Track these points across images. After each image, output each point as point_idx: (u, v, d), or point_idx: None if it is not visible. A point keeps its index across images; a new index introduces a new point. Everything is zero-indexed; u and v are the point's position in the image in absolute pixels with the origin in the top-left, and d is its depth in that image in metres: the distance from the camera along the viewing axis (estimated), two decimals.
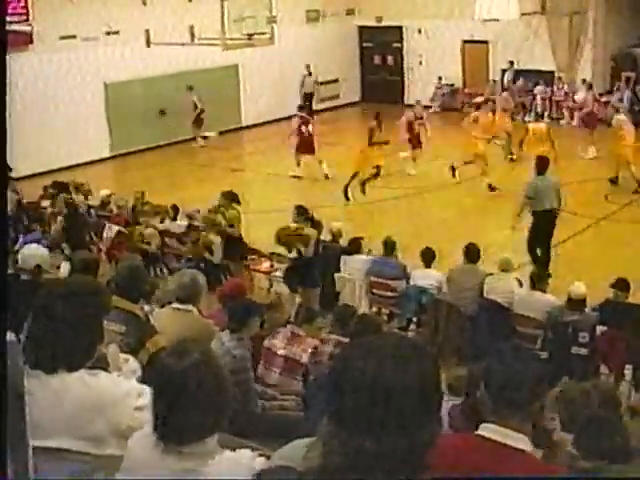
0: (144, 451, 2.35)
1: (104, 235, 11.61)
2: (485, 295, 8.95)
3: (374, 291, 9.81)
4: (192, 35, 17.28)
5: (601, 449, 3.99)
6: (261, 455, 2.49)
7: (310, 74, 23.42)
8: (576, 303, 8.14)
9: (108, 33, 19.23)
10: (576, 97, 21.47)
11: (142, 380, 3.02)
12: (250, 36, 15.95)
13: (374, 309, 9.84)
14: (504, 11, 20.62)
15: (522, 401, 2.42)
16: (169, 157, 19.74)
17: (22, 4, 17.32)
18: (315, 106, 23.63)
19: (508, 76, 23.14)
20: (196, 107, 20.22)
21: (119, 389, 2.74)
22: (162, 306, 6.14)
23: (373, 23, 25.36)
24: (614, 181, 15.30)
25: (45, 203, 13.01)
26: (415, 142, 17.04)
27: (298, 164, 17.28)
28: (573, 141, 18.44)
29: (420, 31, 24.63)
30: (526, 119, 20.61)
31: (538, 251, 11.08)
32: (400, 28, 25.11)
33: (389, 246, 9.78)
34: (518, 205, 11.40)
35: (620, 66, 22.19)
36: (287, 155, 17.70)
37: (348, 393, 1.55)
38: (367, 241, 10.35)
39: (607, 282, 8.42)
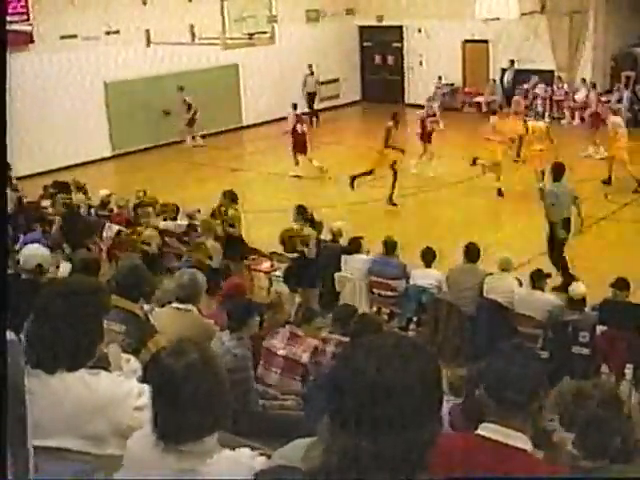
0: (144, 450, 2.35)
1: (104, 235, 11.61)
2: (485, 295, 8.95)
3: (374, 291, 9.81)
4: (192, 35, 17.29)
5: (602, 449, 3.99)
6: (261, 454, 2.49)
7: (312, 74, 23.41)
8: (576, 303, 8.15)
9: (108, 33, 19.24)
10: (576, 97, 21.47)
11: (143, 380, 3.02)
12: (250, 36, 15.94)
13: (374, 309, 9.84)
14: (504, 10, 20.62)
15: (521, 401, 2.42)
16: (169, 157, 19.74)
17: (22, 4, 17.33)
18: (316, 106, 23.63)
19: (508, 76, 23.13)
20: (189, 108, 20.11)
21: (120, 389, 2.74)
22: (162, 306, 6.14)
23: (373, 23, 25.36)
24: (607, 182, 15.32)
25: (45, 203, 13.00)
26: (427, 139, 17.06)
27: (297, 163, 17.30)
28: (573, 141, 18.45)
29: (420, 31, 24.63)
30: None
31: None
32: (400, 28, 25.11)
33: (389, 246, 9.78)
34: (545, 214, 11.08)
35: (620, 66, 22.17)
36: (287, 155, 17.70)
37: (348, 393, 1.55)
38: (367, 241, 10.34)
39: (607, 282, 8.42)
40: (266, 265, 11.12)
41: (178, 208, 12.43)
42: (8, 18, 14.20)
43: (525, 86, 22.60)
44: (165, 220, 12.06)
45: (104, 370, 2.83)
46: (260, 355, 6.47)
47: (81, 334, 2.71)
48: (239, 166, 18.38)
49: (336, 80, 25.10)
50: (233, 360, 5.55)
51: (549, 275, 8.87)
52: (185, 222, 11.81)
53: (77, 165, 18.35)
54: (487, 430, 2.46)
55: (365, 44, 26.27)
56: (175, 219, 12.18)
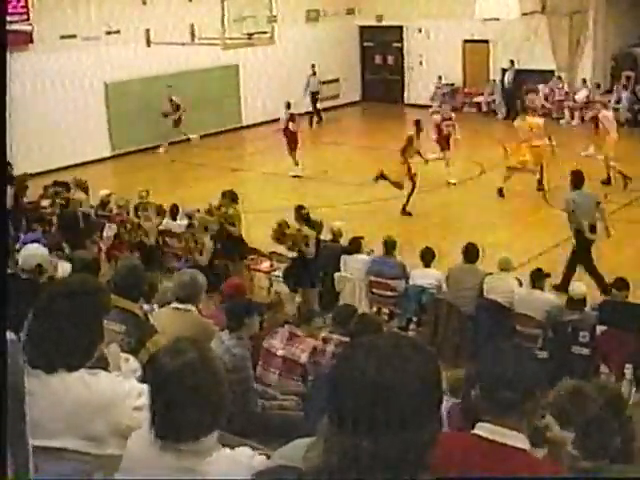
0: (143, 449, 2.35)
1: (104, 235, 11.61)
2: (485, 295, 8.95)
3: (374, 291, 9.81)
4: (192, 35, 17.30)
5: (602, 449, 3.99)
6: (261, 454, 2.49)
7: (314, 74, 23.42)
8: (576, 302, 8.15)
9: (108, 33, 19.23)
10: (576, 97, 21.47)
11: (142, 380, 3.02)
12: (250, 36, 15.95)
13: (374, 309, 9.84)
14: (504, 11, 20.62)
15: (516, 400, 2.42)
16: (169, 156, 19.73)
17: (22, 3, 17.32)
18: (312, 107, 23.61)
19: (509, 76, 23.13)
20: (178, 108, 19.99)
21: (119, 389, 2.74)
22: (162, 306, 6.14)
23: (373, 23, 25.36)
24: (606, 182, 15.31)
25: (45, 203, 13.01)
26: (444, 144, 16.42)
27: (297, 164, 17.30)
28: (573, 140, 18.44)
29: (420, 31, 24.63)
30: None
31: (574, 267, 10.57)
32: (400, 28, 25.11)
33: (389, 246, 9.78)
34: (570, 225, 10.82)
35: (620, 65, 22.18)
36: (287, 155, 17.70)
37: (348, 393, 1.55)
38: (367, 241, 10.35)
39: (608, 282, 8.42)
40: (266, 265, 11.13)
41: (178, 208, 12.43)
42: (8, 18, 14.18)
43: (550, 84, 22.40)
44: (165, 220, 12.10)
45: (103, 370, 2.83)
46: (260, 355, 6.47)
47: (81, 334, 2.71)
48: (239, 166, 18.38)
49: (336, 80, 25.09)
50: (232, 360, 5.55)
51: (548, 275, 8.87)
52: (185, 222, 11.81)
53: (77, 165, 18.33)
54: (483, 430, 2.46)
55: (365, 44, 26.27)
56: (175, 219, 12.19)
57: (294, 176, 17.12)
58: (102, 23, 19.09)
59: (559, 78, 22.18)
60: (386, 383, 1.53)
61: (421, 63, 25.04)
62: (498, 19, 21.01)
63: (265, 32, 16.10)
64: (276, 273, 10.82)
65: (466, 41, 23.99)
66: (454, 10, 22.71)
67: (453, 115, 17.12)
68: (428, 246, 9.69)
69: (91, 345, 2.76)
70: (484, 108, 23.50)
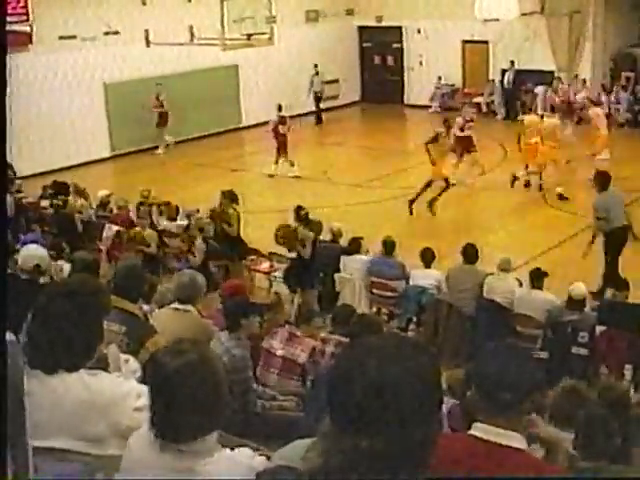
0: (143, 450, 2.35)
1: (104, 235, 11.61)
2: (485, 295, 8.95)
3: (374, 291, 9.81)
4: (192, 35, 17.29)
5: (601, 449, 3.99)
6: (261, 455, 2.49)
7: (317, 73, 23.43)
8: (576, 303, 8.15)
9: (108, 33, 19.23)
10: (577, 97, 21.43)
11: (142, 380, 3.02)
12: (249, 36, 15.95)
13: (374, 309, 9.85)
14: (504, 11, 20.61)
15: (513, 400, 2.42)
16: (169, 157, 19.74)
17: (22, 4, 17.31)
18: (314, 106, 23.63)
19: (509, 76, 23.13)
20: (162, 106, 19.89)
21: (119, 389, 2.74)
22: (162, 306, 6.15)
23: (373, 23, 25.36)
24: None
25: (44, 203, 13.01)
26: (468, 144, 16.00)
27: (292, 164, 17.30)
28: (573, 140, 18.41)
29: (420, 31, 24.63)
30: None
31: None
32: (400, 28, 25.11)
33: (389, 246, 9.78)
34: (593, 230, 10.65)
35: (620, 66, 22.19)
36: (288, 155, 17.69)
37: (348, 393, 1.55)
38: (366, 241, 10.34)
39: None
40: (265, 265, 11.13)
41: (178, 208, 12.44)
42: (7, 18, 14.19)
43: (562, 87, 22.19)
44: (165, 220, 12.12)
45: (103, 371, 2.83)
46: (259, 356, 6.47)
47: (81, 335, 2.71)
48: (239, 166, 18.39)
49: (336, 81, 25.09)
50: (231, 360, 5.55)
51: (547, 274, 8.86)
52: (184, 222, 11.82)
53: (77, 165, 18.35)
54: (480, 430, 2.45)
55: (365, 45, 26.27)
56: (175, 219, 12.20)
57: (294, 177, 17.11)
58: (101, 23, 19.09)
59: (559, 79, 22.17)
60: (386, 383, 1.53)
61: (421, 63, 25.04)
62: (498, 19, 21.00)
63: (264, 33, 16.11)
64: (276, 274, 10.82)
65: (466, 41, 23.99)
66: (454, 10, 22.72)
67: (474, 117, 16.83)
68: (428, 246, 9.69)
69: (91, 346, 2.76)
70: (484, 109, 23.49)
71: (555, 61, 22.18)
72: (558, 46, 22.01)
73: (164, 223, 12.09)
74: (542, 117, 20.75)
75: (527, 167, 15.66)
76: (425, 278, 9.44)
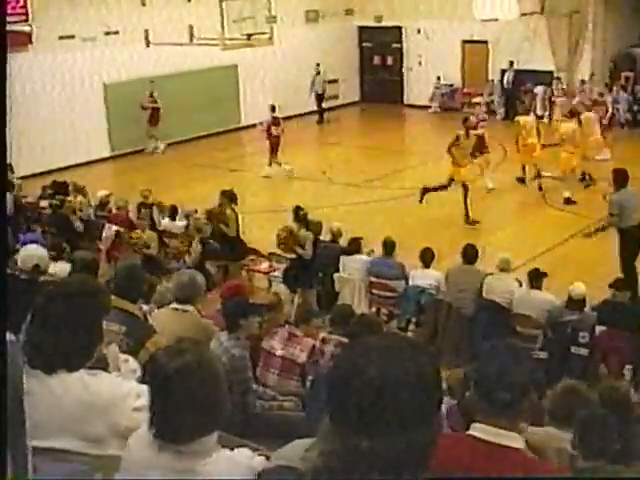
0: (142, 450, 2.35)
1: (103, 235, 11.61)
2: (485, 295, 8.95)
3: (373, 291, 9.81)
4: (191, 35, 17.29)
5: (600, 449, 3.99)
6: (260, 455, 2.49)
7: (319, 73, 23.44)
8: (576, 303, 8.15)
9: (107, 33, 19.23)
10: (573, 101, 21.40)
11: (141, 380, 3.02)
12: (249, 36, 15.95)
13: (373, 309, 9.84)
14: (503, 11, 20.59)
15: (511, 400, 2.42)
16: (168, 157, 19.73)
17: (21, 4, 17.30)
18: (316, 106, 23.62)
19: (508, 76, 23.14)
20: (156, 102, 19.83)
21: (119, 390, 2.74)
22: (161, 306, 6.14)
23: (372, 23, 25.36)
24: (582, 179, 15.30)
25: (44, 203, 13.01)
26: (480, 145, 15.46)
27: (280, 164, 17.31)
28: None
29: (419, 31, 24.64)
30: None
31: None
32: (399, 28, 25.12)
33: (388, 246, 9.78)
34: (605, 222, 10.60)
35: (619, 66, 22.18)
36: (286, 156, 17.70)
37: (348, 393, 1.55)
38: (366, 241, 10.34)
39: (607, 282, 8.42)
40: (265, 266, 11.14)
41: (177, 209, 12.44)
42: (7, 18, 14.16)
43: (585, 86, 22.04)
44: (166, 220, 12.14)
45: (103, 371, 2.83)
46: (259, 356, 6.47)
47: (80, 335, 2.71)
48: (238, 166, 18.37)
49: (335, 81, 25.09)
50: (231, 360, 5.54)
51: (546, 274, 8.86)
52: (184, 222, 11.82)
53: (76, 165, 18.34)
54: (478, 430, 2.46)
55: (364, 45, 26.27)
56: (174, 219, 12.20)
57: (286, 175, 17.09)
58: (101, 24, 19.09)
59: (558, 79, 22.17)
60: (386, 384, 1.53)
61: (420, 63, 25.05)
62: (497, 20, 21.00)
63: (264, 33, 16.11)
64: (275, 274, 10.82)
65: (465, 41, 24.00)
66: (453, 11, 22.73)
67: (486, 117, 16.46)
68: (427, 247, 9.69)
69: (90, 346, 2.76)
70: (483, 108, 23.48)
71: (555, 61, 22.18)
72: (558, 46, 22.01)
73: (165, 223, 12.09)
74: (541, 118, 20.82)
75: (524, 168, 15.67)
76: (425, 278, 9.43)
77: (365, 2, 25.15)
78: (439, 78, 24.36)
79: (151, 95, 19.82)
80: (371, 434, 1.52)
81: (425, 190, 13.95)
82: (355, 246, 10.09)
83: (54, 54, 18.40)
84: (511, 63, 22.93)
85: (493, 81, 23.52)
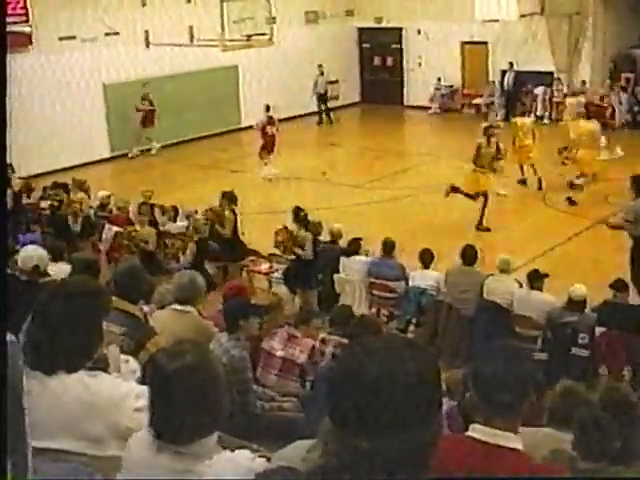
0: (142, 451, 2.35)
1: (103, 236, 11.61)
2: (485, 296, 8.94)
3: (373, 292, 9.81)
4: (191, 36, 17.29)
5: (600, 450, 3.99)
6: (260, 456, 2.49)
7: (322, 74, 23.45)
8: (576, 304, 8.14)
9: (107, 34, 19.22)
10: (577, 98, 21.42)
11: (141, 381, 3.02)
12: (249, 37, 15.96)
13: (373, 310, 9.84)
14: (503, 12, 20.61)
15: (510, 401, 2.42)
16: (168, 158, 19.73)
17: (21, 5, 17.32)
18: (318, 107, 23.62)
19: (508, 77, 23.14)
20: (151, 104, 19.75)
21: (118, 390, 2.74)
22: (161, 307, 6.14)
23: (372, 24, 25.35)
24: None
25: (44, 204, 13.02)
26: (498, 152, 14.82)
27: (266, 164, 17.28)
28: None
29: (419, 32, 24.64)
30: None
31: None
32: (399, 29, 25.12)
33: (388, 247, 9.78)
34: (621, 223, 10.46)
35: (619, 67, 22.18)
36: (286, 156, 17.69)
37: (349, 394, 1.55)
38: (366, 242, 10.34)
39: (607, 283, 8.42)
40: (265, 266, 11.14)
41: (177, 209, 12.44)
42: (7, 19, 14.19)
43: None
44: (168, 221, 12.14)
45: (103, 372, 2.83)
46: (259, 357, 6.47)
47: (80, 336, 2.71)
48: (239, 167, 18.37)
49: (335, 82, 25.09)
50: (231, 361, 5.54)
51: (546, 275, 8.86)
52: (184, 223, 11.82)
53: (76, 166, 18.33)
54: (477, 432, 2.46)
55: (364, 46, 26.27)
56: (174, 220, 12.20)
57: (265, 178, 17.03)
58: (101, 24, 19.08)
59: (558, 80, 22.18)
60: (386, 384, 1.53)
61: (420, 64, 25.05)
62: (497, 21, 21.02)
63: (264, 33, 16.11)
64: (275, 275, 10.82)
65: (465, 43, 24.00)
66: (453, 12, 22.71)
67: (501, 124, 15.73)
68: (427, 247, 9.69)
69: (91, 347, 2.76)
70: (483, 109, 23.49)
71: (555, 62, 22.18)
72: (558, 47, 22.01)
73: (166, 222, 12.09)
74: (542, 119, 20.82)
75: (522, 168, 15.64)
76: (425, 279, 9.43)
77: (365, 3, 25.14)
78: (439, 79, 24.36)
79: (144, 98, 19.71)
80: (371, 435, 1.52)
81: (453, 189, 13.65)
82: (355, 247, 10.09)
83: (54, 55, 18.39)
84: (511, 64, 22.93)
85: (493, 82, 23.51)
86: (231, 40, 15.79)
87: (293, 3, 22.71)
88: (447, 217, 14.07)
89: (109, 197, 12.98)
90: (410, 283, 9.55)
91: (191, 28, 17.34)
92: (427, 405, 1.57)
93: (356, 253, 10.04)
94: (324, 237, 10.55)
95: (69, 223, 11.79)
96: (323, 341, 6.70)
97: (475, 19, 21.14)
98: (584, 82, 21.54)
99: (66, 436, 2.63)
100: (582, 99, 19.64)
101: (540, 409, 4.61)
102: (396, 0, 24.01)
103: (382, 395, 1.52)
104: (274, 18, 16.38)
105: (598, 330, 8.11)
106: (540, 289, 8.69)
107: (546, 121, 21.68)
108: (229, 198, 11.37)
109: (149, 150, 20.15)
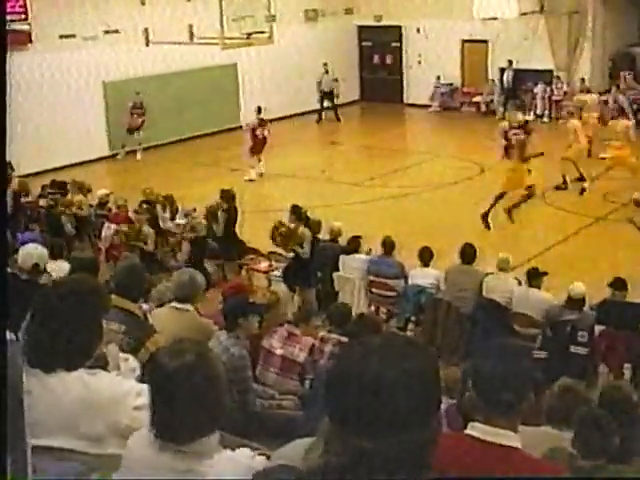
0: (143, 450, 2.35)
1: (102, 235, 11.60)
2: (484, 294, 8.95)
3: (373, 290, 9.81)
4: (191, 34, 17.26)
5: (600, 448, 3.99)
6: (260, 455, 2.49)
7: (327, 72, 23.44)
8: (575, 302, 8.15)
9: (107, 32, 19.21)
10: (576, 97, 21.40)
11: (141, 379, 3.02)
12: (249, 35, 15.94)
13: (372, 308, 9.84)
14: (503, 10, 20.62)
15: (509, 399, 2.42)
16: (168, 156, 19.72)
17: (21, 3, 17.31)
18: (320, 105, 23.61)
19: (507, 76, 23.15)
20: (143, 114, 19.57)
21: (118, 388, 2.74)
22: (161, 305, 6.15)
23: (372, 22, 25.35)
24: (564, 186, 15.22)
25: (43, 202, 13.01)
26: (512, 155, 14.44)
27: (252, 167, 17.23)
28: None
29: (419, 30, 24.64)
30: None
31: None
32: (399, 27, 25.11)
33: (388, 245, 9.78)
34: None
35: (618, 65, 22.19)
36: (285, 154, 17.70)
37: (348, 393, 1.55)
38: (365, 240, 10.35)
39: (606, 281, 8.43)
40: (265, 265, 11.14)
41: (177, 208, 12.43)
42: (7, 17, 14.16)
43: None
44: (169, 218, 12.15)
45: (103, 370, 2.83)
46: (259, 355, 6.47)
47: (80, 334, 2.71)
48: (238, 166, 18.36)
49: (335, 80, 25.06)
50: (230, 360, 5.55)
51: (545, 273, 8.87)
52: (183, 221, 11.82)
53: (75, 164, 18.33)
54: (476, 430, 2.46)
55: (364, 44, 26.26)
56: (174, 219, 12.19)
57: (249, 180, 16.95)
58: (101, 23, 19.07)
59: (558, 78, 22.18)
60: (386, 383, 1.53)
61: (420, 63, 25.05)
62: (497, 19, 21.01)
63: (264, 32, 16.09)
64: (275, 273, 10.82)
65: (465, 41, 24.00)
66: (453, 10, 22.71)
67: (523, 123, 14.84)
68: (426, 245, 9.69)
69: (90, 345, 2.76)
70: (483, 108, 23.52)
71: (554, 60, 22.19)
72: (557, 45, 22.02)
73: (167, 218, 12.09)
74: (541, 117, 20.81)
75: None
76: (424, 277, 9.44)
77: (365, 1, 25.14)
78: (439, 77, 24.36)
79: (134, 107, 19.55)
80: (371, 434, 1.52)
81: (512, 207, 13.34)
82: (354, 245, 10.09)
83: (54, 53, 18.38)
84: (510, 62, 22.93)
85: (493, 80, 23.52)
86: (231, 38, 15.78)
87: (293, 1, 22.72)
88: (446, 215, 14.08)
89: (108, 195, 12.97)
90: (409, 281, 9.55)
91: (191, 26, 17.30)
92: (427, 404, 1.57)
93: (356, 251, 10.05)
94: (324, 235, 10.56)
95: (62, 223, 11.77)
96: (322, 339, 6.70)
97: (475, 17, 21.15)
98: (583, 80, 21.53)
99: (66, 434, 2.63)
100: (595, 96, 19.49)
101: (539, 407, 4.62)
102: None
103: (382, 394, 1.52)
104: (274, 16, 16.36)
105: (597, 328, 8.12)
106: (539, 287, 8.70)
107: (546, 119, 21.69)
108: (226, 197, 11.38)
109: (134, 151, 20.01)
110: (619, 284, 8.30)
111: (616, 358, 8.03)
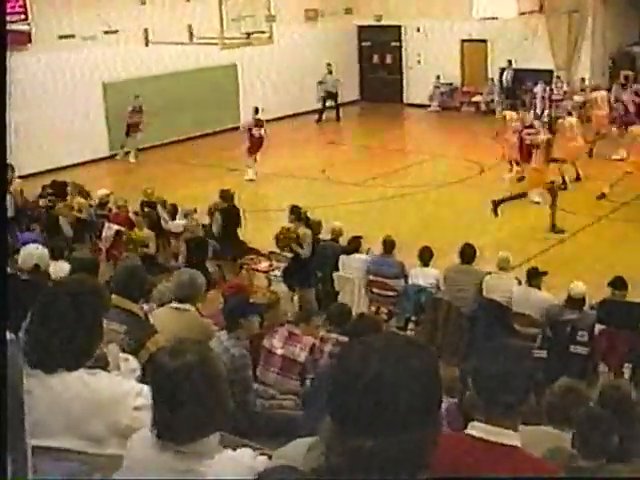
0: (144, 450, 2.35)
1: (103, 235, 11.60)
2: (484, 294, 8.95)
3: (373, 290, 9.82)
4: (191, 34, 17.27)
5: (600, 448, 3.99)
6: (262, 454, 2.49)
7: (330, 72, 23.43)
8: (575, 302, 8.15)
9: (107, 32, 19.21)
10: (575, 97, 21.41)
11: (142, 380, 3.02)
12: (249, 35, 15.95)
13: (373, 308, 9.85)
14: (502, 10, 20.61)
15: (509, 399, 2.42)
16: (167, 156, 19.71)
17: (20, 3, 17.31)
18: (322, 105, 23.61)
19: (507, 75, 23.15)
20: (140, 110, 19.50)
21: (118, 389, 2.74)
22: (161, 305, 6.15)
23: (372, 22, 25.35)
24: (564, 187, 15.17)
25: (43, 203, 13.00)
26: (524, 156, 14.57)
27: (249, 167, 17.23)
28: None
29: (419, 30, 24.64)
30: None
31: None
32: (399, 27, 25.12)
33: (388, 245, 9.78)
34: None
35: (618, 65, 22.19)
36: (285, 154, 17.69)
37: (349, 392, 1.55)
38: (365, 240, 10.35)
39: (606, 281, 8.42)
40: (265, 265, 11.14)
41: (176, 208, 12.43)
42: (7, 18, 14.15)
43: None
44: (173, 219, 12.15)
45: (103, 370, 2.83)
46: (259, 355, 6.48)
47: (80, 334, 2.71)
48: (237, 166, 18.36)
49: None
50: (231, 360, 5.55)
51: (545, 273, 8.86)
52: (183, 222, 11.81)
53: (76, 165, 18.34)
54: (477, 429, 2.46)
55: (364, 44, 26.26)
56: (173, 219, 12.19)
57: (249, 180, 16.95)
58: (101, 23, 19.07)
59: (558, 77, 22.16)
60: (386, 383, 1.53)
61: (419, 62, 25.05)
62: (496, 18, 21.01)
63: (263, 31, 16.10)
64: (275, 273, 10.82)
65: (464, 40, 24.00)
66: (452, 10, 22.73)
67: (536, 123, 15.07)
68: (426, 245, 9.69)
69: (90, 345, 2.76)
70: (482, 107, 23.52)
71: (554, 60, 22.18)
72: (557, 45, 22.01)
73: (168, 218, 12.09)
74: (541, 116, 20.73)
75: (511, 164, 15.67)
76: (424, 277, 9.44)
77: (365, 1, 25.14)
78: (438, 77, 24.36)
79: (134, 110, 19.50)
80: (372, 433, 1.52)
81: (554, 226, 13.17)
82: (355, 245, 10.09)
83: (53, 53, 18.38)
84: (510, 62, 22.93)
85: (492, 80, 23.52)
86: (230, 38, 15.78)
87: (293, 1, 22.71)
88: (446, 215, 14.08)
89: (108, 195, 12.97)
90: (409, 281, 9.55)
91: (190, 26, 17.30)
92: (427, 403, 1.57)
93: (356, 251, 10.05)
94: (324, 235, 10.56)
95: (60, 224, 11.76)
96: (322, 339, 6.70)
97: (474, 17, 21.15)
98: (583, 79, 21.53)
99: (66, 434, 2.63)
100: (604, 92, 19.39)
101: (539, 407, 4.62)
102: None
103: (382, 393, 1.52)
104: (273, 16, 16.35)
105: (597, 328, 8.11)
106: (539, 287, 8.69)
107: (545, 119, 21.65)
108: (226, 197, 11.39)
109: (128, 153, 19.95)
110: (619, 283, 8.30)
111: (616, 358, 8.03)
